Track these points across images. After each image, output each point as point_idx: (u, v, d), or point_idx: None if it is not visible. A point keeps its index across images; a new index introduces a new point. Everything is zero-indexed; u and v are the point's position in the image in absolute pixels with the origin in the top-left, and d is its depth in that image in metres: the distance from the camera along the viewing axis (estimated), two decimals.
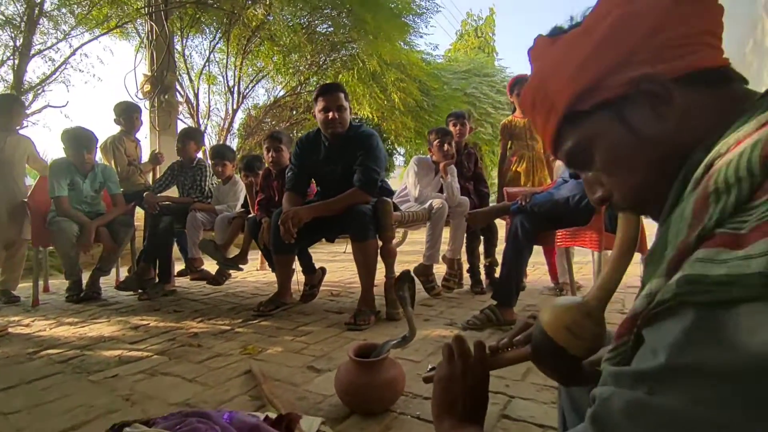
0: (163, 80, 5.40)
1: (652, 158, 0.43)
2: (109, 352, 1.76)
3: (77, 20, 5.35)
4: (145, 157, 3.71)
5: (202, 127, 6.73)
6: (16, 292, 2.93)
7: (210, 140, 7.23)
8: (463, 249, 2.92)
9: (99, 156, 3.24)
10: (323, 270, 2.86)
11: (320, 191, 2.50)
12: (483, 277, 2.98)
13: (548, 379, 0.75)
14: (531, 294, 2.76)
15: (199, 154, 3.41)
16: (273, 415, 1.06)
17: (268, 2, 5.84)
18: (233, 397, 1.31)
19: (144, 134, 5.60)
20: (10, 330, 2.13)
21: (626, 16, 0.43)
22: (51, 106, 5.27)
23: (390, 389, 1.18)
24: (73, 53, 5.33)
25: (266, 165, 2.95)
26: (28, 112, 4.62)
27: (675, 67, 0.42)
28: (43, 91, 5.36)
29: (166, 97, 5.47)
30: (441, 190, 2.86)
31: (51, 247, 3.02)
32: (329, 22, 6.91)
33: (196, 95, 6.76)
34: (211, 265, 3.19)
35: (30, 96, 5.11)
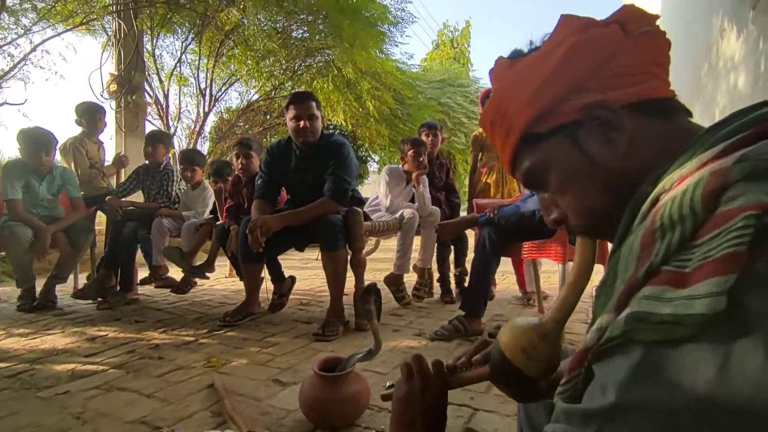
0: (130, 80, 5.22)
1: (603, 183, 0.45)
2: (62, 366, 1.68)
3: (40, 15, 5.12)
4: (110, 159, 3.58)
5: (172, 130, 6.54)
6: None
7: (180, 143, 7.04)
8: (434, 258, 2.95)
9: (59, 158, 3.10)
10: (293, 279, 2.82)
11: (290, 200, 2.48)
12: (453, 286, 3.01)
13: None
14: (499, 303, 2.80)
15: (167, 158, 3.31)
16: None
17: (242, 6, 5.76)
18: (193, 414, 1.27)
19: (109, 136, 5.39)
20: None
21: (580, 43, 0.45)
22: (8, 104, 5.03)
23: (353, 404, 1.17)
24: (33, 49, 5.09)
25: (236, 171, 2.89)
26: None
27: (626, 95, 0.44)
28: (0, 87, 5.10)
29: (134, 97, 5.29)
30: (412, 200, 2.88)
31: (2, 253, 2.86)
32: (305, 28, 6.88)
33: (166, 96, 6.58)
34: (176, 273, 3.09)
35: None
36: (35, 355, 1.82)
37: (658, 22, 0.47)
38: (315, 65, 7.33)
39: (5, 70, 5.03)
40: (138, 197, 3.30)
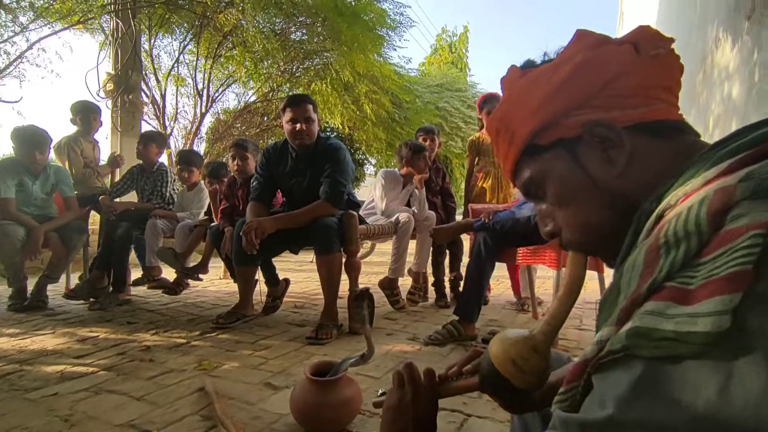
0: (127, 80, 5.20)
1: (599, 199, 0.45)
2: (51, 367, 1.66)
3: (38, 13, 5.10)
4: (105, 159, 3.56)
5: (168, 130, 6.53)
6: None
7: (176, 143, 7.02)
8: (429, 262, 2.94)
9: (53, 156, 3.08)
10: (287, 281, 2.81)
11: (286, 202, 2.47)
12: (448, 290, 3.01)
13: None
14: (494, 308, 2.80)
15: (162, 159, 3.30)
16: None
17: (241, 7, 5.76)
18: (183, 417, 1.25)
19: (105, 135, 5.38)
20: None
21: (589, 61, 0.45)
22: (3, 101, 4.99)
23: (345, 409, 1.16)
24: (30, 47, 5.08)
25: (231, 173, 2.89)
26: None
27: (628, 116, 0.44)
28: None
29: (131, 97, 5.27)
30: (408, 204, 2.88)
31: None
32: (303, 30, 6.89)
33: (163, 96, 6.57)
34: (170, 274, 3.08)
35: None
36: (25, 355, 1.79)
37: (673, 46, 0.47)
38: (313, 68, 7.35)
39: (1, 68, 5.01)
40: (132, 197, 3.28)
